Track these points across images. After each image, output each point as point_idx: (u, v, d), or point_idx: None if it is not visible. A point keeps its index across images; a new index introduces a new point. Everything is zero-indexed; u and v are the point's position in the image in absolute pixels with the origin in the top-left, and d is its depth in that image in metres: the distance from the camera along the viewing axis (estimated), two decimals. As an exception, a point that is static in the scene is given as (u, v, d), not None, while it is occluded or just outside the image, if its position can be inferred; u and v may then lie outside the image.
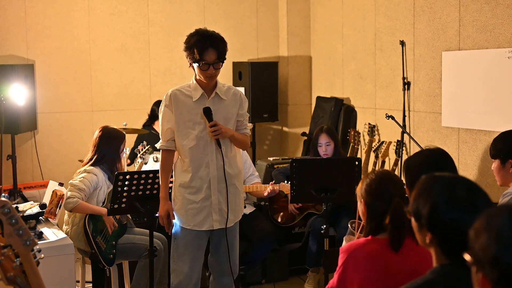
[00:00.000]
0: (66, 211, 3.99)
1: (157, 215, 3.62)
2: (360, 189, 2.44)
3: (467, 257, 1.33)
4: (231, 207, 3.41)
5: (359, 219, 2.56)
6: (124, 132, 4.24)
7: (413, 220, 1.75)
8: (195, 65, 3.29)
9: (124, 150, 4.27)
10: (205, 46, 3.22)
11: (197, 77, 3.37)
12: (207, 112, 3.30)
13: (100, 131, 4.13)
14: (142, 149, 4.63)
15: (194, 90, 3.37)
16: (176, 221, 3.43)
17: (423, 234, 1.71)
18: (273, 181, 4.67)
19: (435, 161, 2.67)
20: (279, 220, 4.94)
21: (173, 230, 3.46)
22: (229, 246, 3.44)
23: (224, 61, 3.33)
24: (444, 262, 1.69)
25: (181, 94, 3.37)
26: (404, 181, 2.63)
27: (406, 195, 2.46)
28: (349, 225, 2.65)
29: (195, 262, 3.39)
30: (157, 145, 3.46)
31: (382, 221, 2.33)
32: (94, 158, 4.06)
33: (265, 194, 4.53)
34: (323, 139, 4.79)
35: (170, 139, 3.39)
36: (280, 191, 4.59)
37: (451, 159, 2.72)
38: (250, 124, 3.57)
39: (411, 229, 2.33)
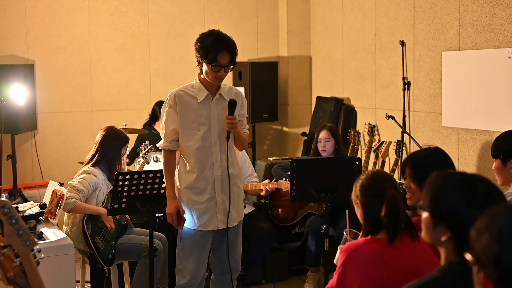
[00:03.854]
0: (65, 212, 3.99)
1: (158, 214, 3.62)
2: (354, 193, 2.46)
3: (468, 256, 1.33)
4: (234, 206, 3.42)
5: (351, 227, 2.57)
6: (128, 137, 4.23)
7: (427, 215, 1.73)
8: (206, 65, 3.30)
9: (126, 153, 4.27)
10: (220, 49, 3.25)
11: (202, 77, 3.37)
12: (232, 105, 3.32)
13: (104, 131, 4.13)
14: (144, 148, 4.62)
15: (199, 91, 3.37)
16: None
17: (440, 232, 1.69)
18: (274, 179, 4.67)
19: (444, 158, 2.67)
20: (279, 217, 4.94)
21: (178, 231, 3.47)
22: (232, 244, 3.47)
23: (235, 65, 3.36)
24: (452, 260, 1.68)
25: (186, 94, 3.37)
26: (399, 179, 2.64)
27: (400, 190, 2.46)
28: (344, 233, 2.65)
29: (200, 261, 3.41)
30: (159, 145, 3.46)
31: (379, 217, 2.34)
32: (95, 157, 4.06)
33: (263, 193, 4.54)
34: (323, 135, 4.81)
35: (173, 140, 3.39)
36: (278, 189, 4.59)
37: (450, 159, 2.72)
38: (248, 126, 3.59)
39: (410, 226, 2.35)
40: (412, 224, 2.39)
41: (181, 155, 3.43)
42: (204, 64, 3.31)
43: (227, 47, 3.28)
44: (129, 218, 4.26)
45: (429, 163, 2.62)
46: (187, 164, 3.39)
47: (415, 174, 2.59)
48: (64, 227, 4.06)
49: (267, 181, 4.59)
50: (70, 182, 3.98)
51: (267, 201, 4.94)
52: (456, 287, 1.65)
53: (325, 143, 4.80)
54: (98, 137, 4.11)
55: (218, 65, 3.27)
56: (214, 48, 3.25)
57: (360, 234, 2.45)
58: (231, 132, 3.33)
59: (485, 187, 1.66)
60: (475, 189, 1.65)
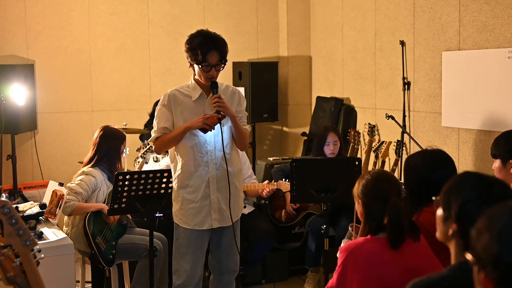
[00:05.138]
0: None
1: (159, 214, 3.63)
2: (356, 190, 2.46)
3: (468, 256, 1.33)
4: (230, 205, 3.41)
5: (357, 222, 2.57)
6: (125, 133, 4.23)
7: (440, 210, 1.75)
8: (197, 66, 3.29)
9: (125, 150, 4.27)
10: (208, 48, 3.24)
11: (196, 77, 3.38)
12: (213, 86, 3.30)
13: (101, 131, 4.12)
14: (143, 148, 4.62)
15: (193, 90, 3.38)
16: (177, 222, 3.44)
17: (448, 226, 1.71)
18: (273, 180, 4.67)
19: (435, 162, 2.70)
20: (279, 218, 4.94)
21: (174, 231, 3.47)
22: (229, 245, 3.46)
23: (226, 63, 3.34)
24: (462, 260, 1.68)
25: (180, 94, 3.38)
26: (402, 180, 2.65)
27: (403, 194, 2.48)
28: (349, 228, 2.65)
29: (197, 261, 3.40)
30: (150, 141, 3.45)
31: (381, 220, 2.34)
32: (94, 158, 4.06)
33: (264, 195, 4.54)
34: (332, 138, 4.75)
35: (163, 133, 3.38)
36: (278, 189, 4.58)
37: (452, 161, 2.75)
38: (249, 125, 3.57)
39: (410, 228, 2.35)
40: (414, 225, 2.39)
41: (176, 154, 3.42)
42: (194, 64, 3.31)
43: (215, 46, 3.26)
44: (130, 218, 4.26)
45: (419, 172, 2.69)
46: (182, 162, 3.39)
47: (406, 182, 2.63)
48: (64, 228, 4.06)
49: (266, 182, 4.59)
50: (68, 184, 3.97)
51: (267, 201, 4.94)
52: (464, 286, 1.65)
53: (334, 146, 4.75)
54: (96, 137, 4.10)
55: (208, 65, 3.26)
56: (203, 48, 3.24)
57: (360, 230, 2.45)
58: (222, 112, 3.25)
59: (501, 189, 1.66)
60: (490, 188, 1.66)
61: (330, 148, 4.74)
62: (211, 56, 3.25)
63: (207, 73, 3.28)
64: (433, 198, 1.80)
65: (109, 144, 4.07)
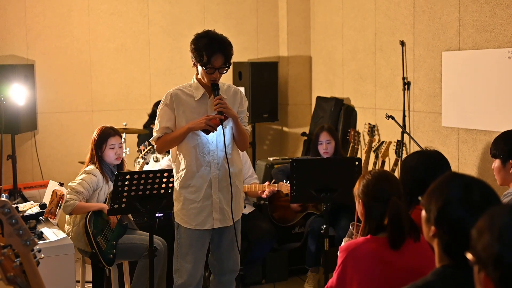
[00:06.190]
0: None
1: (157, 214, 3.62)
2: (357, 190, 2.46)
3: (469, 256, 1.33)
4: (231, 205, 3.41)
5: (358, 221, 2.57)
6: (113, 131, 4.20)
7: (423, 211, 1.75)
8: (200, 67, 3.29)
9: (124, 150, 4.26)
10: (214, 51, 3.23)
11: (199, 76, 3.38)
12: (215, 87, 3.30)
13: (96, 132, 4.16)
14: (144, 149, 4.62)
15: (196, 90, 3.38)
16: (178, 222, 3.44)
17: (429, 227, 1.71)
18: (273, 180, 4.67)
19: (431, 163, 2.71)
20: (279, 218, 4.94)
21: (175, 231, 3.47)
22: (230, 245, 3.46)
23: (230, 66, 3.34)
24: (445, 263, 1.68)
25: (183, 93, 3.38)
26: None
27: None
28: (350, 227, 2.65)
29: (198, 261, 3.40)
30: (152, 140, 3.45)
31: (381, 221, 2.34)
32: (89, 159, 4.11)
33: (264, 195, 4.54)
34: (324, 137, 4.79)
35: (165, 132, 3.38)
36: (278, 191, 4.59)
37: (448, 163, 2.76)
38: (249, 126, 3.57)
39: (411, 228, 2.35)
40: (415, 226, 2.39)
41: (179, 154, 3.42)
42: (198, 65, 3.31)
43: (221, 49, 3.25)
44: (132, 219, 4.25)
45: (415, 173, 2.70)
46: (184, 161, 3.39)
47: (402, 182, 2.64)
48: (66, 226, 4.08)
49: (267, 183, 4.59)
50: (69, 183, 3.99)
51: (266, 202, 4.94)
52: None
53: (326, 145, 4.78)
54: (92, 139, 4.15)
55: (212, 68, 3.26)
56: (208, 50, 3.23)
57: (360, 230, 2.44)
58: (224, 114, 3.24)
59: (483, 191, 1.66)
60: (472, 191, 1.65)
61: (323, 148, 4.77)
62: (216, 59, 3.25)
63: (210, 75, 3.29)
64: (419, 198, 1.80)
65: (96, 146, 4.10)
